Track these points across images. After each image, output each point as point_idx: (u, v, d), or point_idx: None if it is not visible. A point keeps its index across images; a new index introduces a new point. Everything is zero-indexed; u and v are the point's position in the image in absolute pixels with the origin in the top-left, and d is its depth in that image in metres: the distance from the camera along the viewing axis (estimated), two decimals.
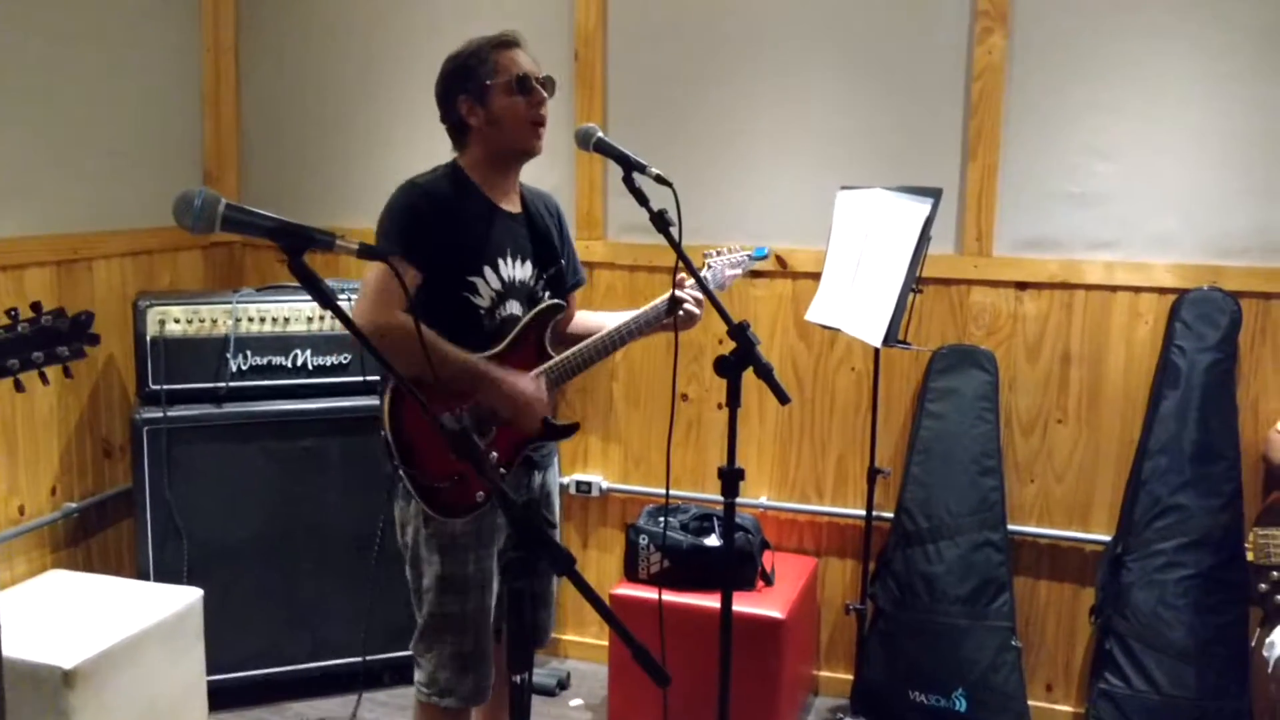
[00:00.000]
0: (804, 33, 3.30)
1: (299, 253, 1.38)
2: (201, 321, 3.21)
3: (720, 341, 3.43)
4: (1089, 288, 3.15)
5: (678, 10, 3.41)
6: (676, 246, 2.06)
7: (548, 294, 2.37)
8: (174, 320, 3.19)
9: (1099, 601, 3.17)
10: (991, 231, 3.19)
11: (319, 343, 3.30)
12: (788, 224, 3.34)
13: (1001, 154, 3.15)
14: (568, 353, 2.30)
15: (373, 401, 3.25)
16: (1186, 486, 3.04)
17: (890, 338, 2.60)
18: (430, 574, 2.26)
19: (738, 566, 3.08)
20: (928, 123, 3.21)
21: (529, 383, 2.24)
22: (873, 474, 2.97)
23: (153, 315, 3.17)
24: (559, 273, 2.40)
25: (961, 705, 3.12)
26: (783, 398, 2.01)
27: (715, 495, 3.39)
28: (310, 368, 3.29)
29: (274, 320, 3.26)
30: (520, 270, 2.31)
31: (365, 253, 1.43)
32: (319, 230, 1.39)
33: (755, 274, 3.38)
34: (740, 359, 2.04)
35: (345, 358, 3.32)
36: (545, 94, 2.26)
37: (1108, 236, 3.12)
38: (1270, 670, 2.59)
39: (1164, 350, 3.09)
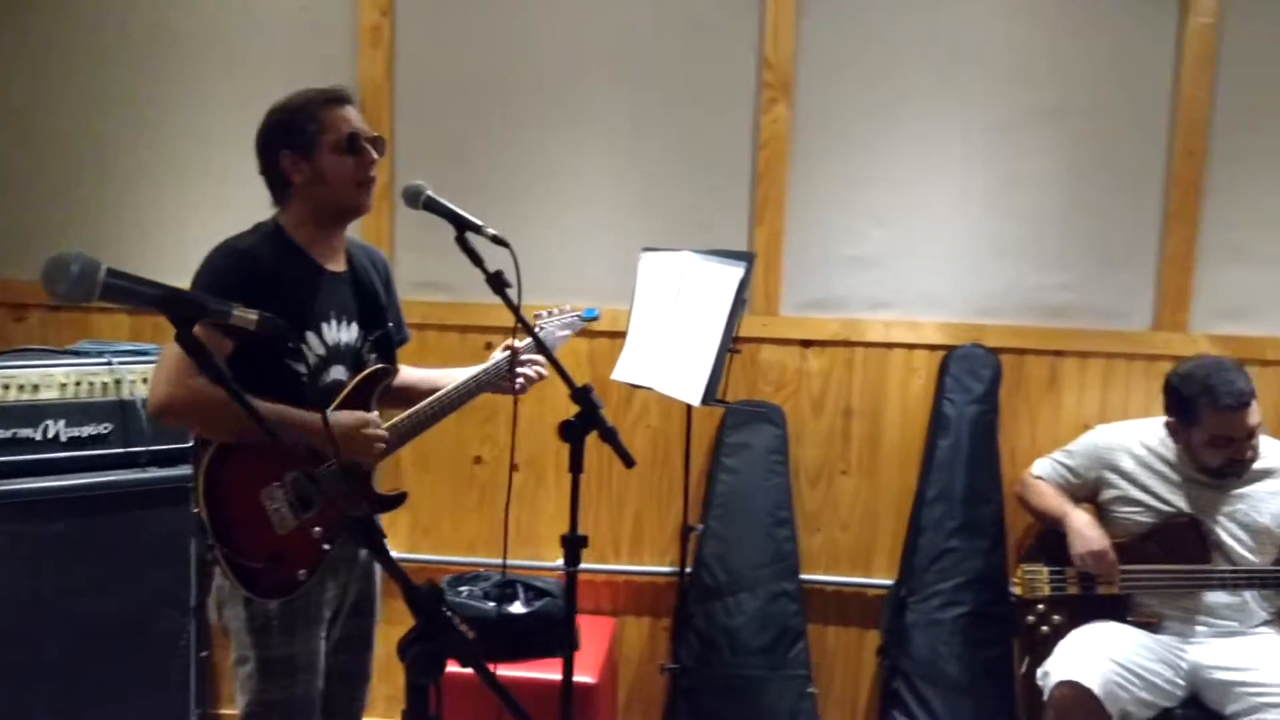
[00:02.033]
0: (599, 97, 3.33)
1: (190, 324, 1.24)
2: None
3: (516, 402, 3.38)
4: (868, 345, 3.34)
5: (468, 67, 3.36)
6: (515, 309, 2.02)
7: (374, 356, 2.25)
8: None
9: (885, 643, 3.33)
10: (778, 292, 3.32)
11: (74, 411, 2.96)
12: (584, 284, 3.33)
13: (786, 219, 3.30)
14: (400, 417, 2.20)
15: (136, 475, 3.00)
16: (959, 530, 3.26)
17: (709, 396, 2.65)
18: (252, 658, 2.08)
19: (549, 632, 3.00)
20: (719, 188, 3.32)
21: (349, 413, 2.12)
22: (685, 531, 3.00)
23: None
24: (386, 334, 2.29)
25: None
26: (628, 460, 2.00)
27: (514, 560, 3.34)
28: (64, 440, 2.95)
29: (20, 388, 2.90)
30: (345, 333, 2.19)
31: (267, 325, 1.30)
32: (214, 299, 1.25)
33: None
34: (585, 423, 2.00)
35: (106, 427, 2.99)
36: (375, 154, 2.16)
37: (884, 297, 3.33)
38: (1045, 697, 2.79)
39: (936, 403, 3.32)
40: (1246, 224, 3.26)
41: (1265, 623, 2.91)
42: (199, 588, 3.10)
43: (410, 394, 2.33)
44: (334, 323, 2.17)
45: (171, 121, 3.42)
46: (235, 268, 2.06)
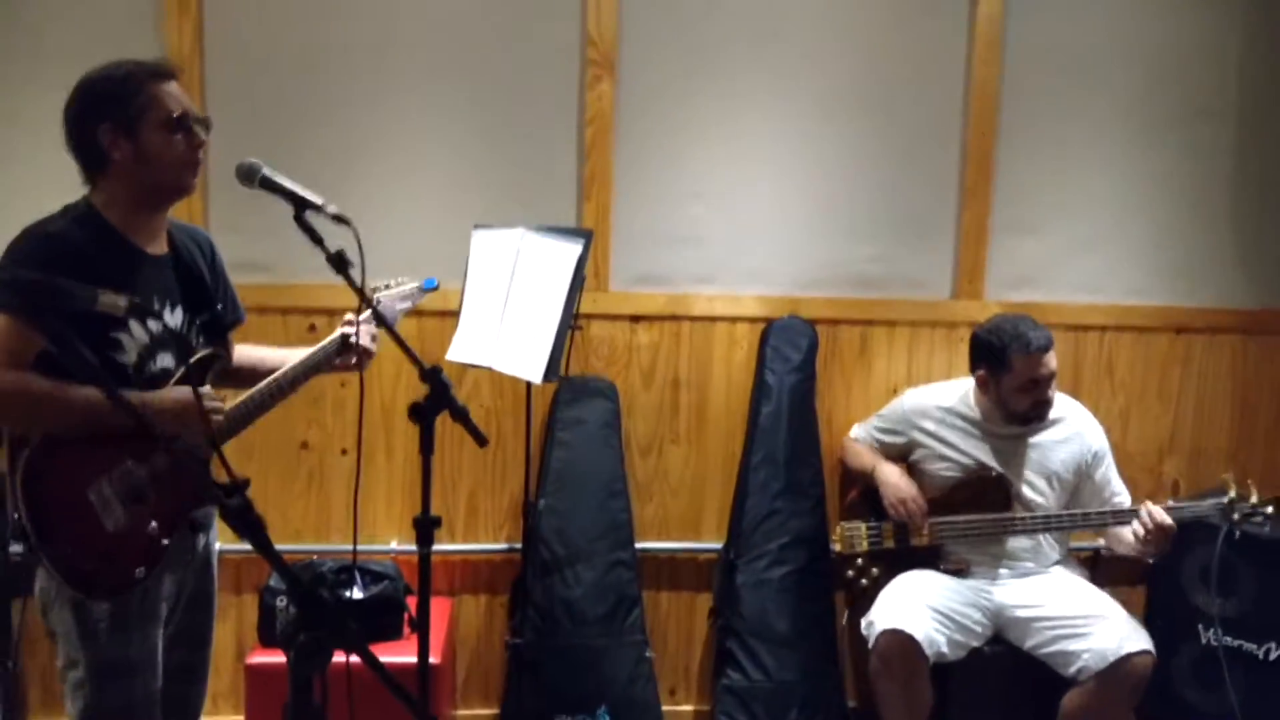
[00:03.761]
0: (421, 73, 3.28)
1: (51, 314, 1.16)
2: None
3: (343, 384, 3.31)
4: (694, 319, 3.44)
5: (282, 38, 3.23)
6: (359, 289, 1.97)
7: (201, 340, 2.15)
8: None
9: (716, 604, 3.46)
10: (608, 268, 3.38)
11: None
12: (411, 263, 3.23)
13: (614, 194, 3.35)
14: (231, 405, 2.11)
15: None
16: (783, 492, 3.41)
17: (551, 374, 2.67)
18: (83, 662, 1.97)
19: (386, 616, 2.97)
20: (547, 164, 3.34)
21: (174, 392, 2.02)
22: (528, 507, 3.02)
23: None
24: (214, 317, 2.19)
25: None
26: (481, 440, 2.00)
27: (344, 545, 3.27)
28: None
29: None
30: (170, 319, 2.08)
31: (137, 309, 1.23)
32: (78, 285, 1.17)
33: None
34: (435, 403, 1.99)
35: None
36: (204, 135, 2.07)
37: (707, 272, 3.43)
38: (870, 645, 2.97)
39: (758, 372, 3.45)
40: (1032, 199, 3.55)
41: (1056, 562, 3.20)
42: None
43: (252, 374, 2.24)
44: (157, 308, 2.06)
45: None
46: (46, 255, 1.91)
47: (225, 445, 1.94)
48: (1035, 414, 3.10)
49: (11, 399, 1.89)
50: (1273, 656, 3.07)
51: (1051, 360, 3.03)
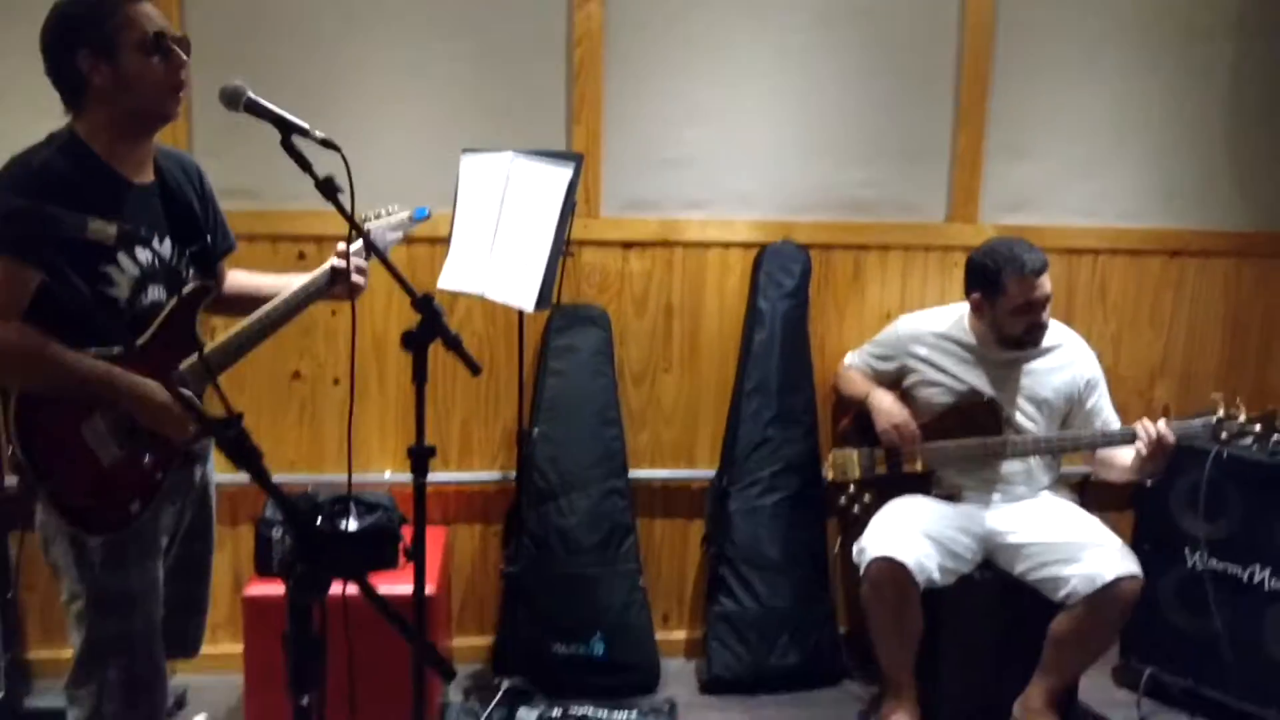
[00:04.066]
0: None
1: (43, 243, 1.12)
2: None
3: (334, 313, 3.27)
4: (686, 245, 3.40)
5: None
6: (348, 216, 1.93)
7: (192, 271, 2.11)
8: None
9: (709, 531, 3.48)
10: (599, 193, 3.32)
11: None
12: (399, 188, 3.14)
13: (604, 118, 3.28)
14: (223, 338, 2.08)
15: None
16: (775, 420, 3.41)
17: (543, 302, 2.63)
18: (84, 595, 1.97)
19: (381, 546, 2.97)
20: (536, 87, 3.27)
21: (158, 389, 1.97)
22: (521, 436, 3.01)
23: None
24: (204, 248, 2.15)
25: (600, 649, 3.27)
26: (474, 368, 1.98)
27: (339, 476, 3.27)
28: None
29: None
30: (160, 250, 2.04)
31: (128, 237, 1.19)
32: (66, 212, 1.13)
33: None
34: (427, 331, 1.96)
35: None
36: (184, 56, 2.00)
37: (700, 197, 3.39)
38: (861, 572, 3.00)
39: (751, 298, 3.43)
40: (1027, 123, 3.50)
41: (1047, 487, 3.22)
42: None
43: (247, 301, 2.22)
44: (146, 239, 2.02)
45: None
46: (31, 186, 1.87)
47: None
48: (1029, 338, 3.08)
49: (10, 357, 1.87)
50: (1257, 579, 3.10)
51: (1046, 283, 3.01)
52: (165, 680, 2.10)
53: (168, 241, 2.07)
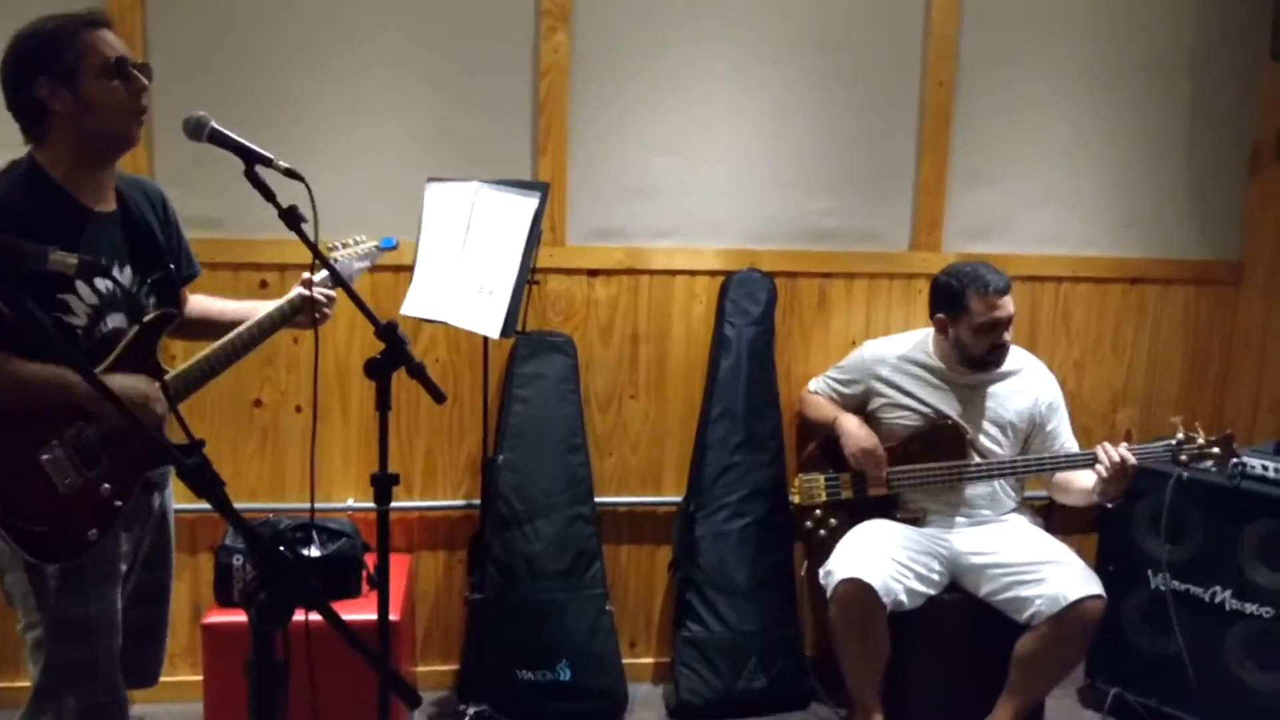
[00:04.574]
0: (374, 23, 3.18)
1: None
2: None
3: (296, 340, 3.26)
4: (652, 273, 3.42)
5: None
6: (312, 245, 1.94)
7: (153, 300, 2.11)
8: None
9: (676, 557, 3.48)
10: (564, 222, 3.34)
11: None
12: (364, 217, 3.17)
13: (570, 148, 3.30)
14: (185, 366, 2.07)
15: None
16: (742, 445, 3.43)
17: (509, 329, 2.64)
18: (42, 623, 1.95)
19: (345, 574, 2.95)
20: (502, 118, 3.28)
21: (137, 379, 1.99)
22: (486, 463, 3.01)
23: None
24: (166, 275, 2.14)
25: (566, 675, 3.26)
26: (438, 396, 1.98)
27: (301, 504, 3.24)
28: None
29: None
30: (120, 278, 2.03)
31: (88, 269, 1.19)
32: (28, 243, 1.13)
33: None
34: (391, 359, 1.96)
35: None
36: (145, 80, 2.01)
37: (667, 225, 3.41)
38: (829, 594, 3.00)
39: (717, 325, 3.45)
40: (989, 151, 3.55)
41: (1012, 510, 3.24)
42: None
43: (209, 326, 2.22)
44: (105, 266, 2.01)
45: None
46: None
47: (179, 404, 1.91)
48: (991, 358, 3.12)
49: None
50: (1219, 599, 3.13)
51: (1009, 303, 3.05)
52: (125, 709, 2.07)
53: (128, 270, 2.07)
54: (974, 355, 3.11)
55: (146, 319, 2.06)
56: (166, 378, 2.04)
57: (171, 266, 2.17)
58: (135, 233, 2.09)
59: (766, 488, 3.44)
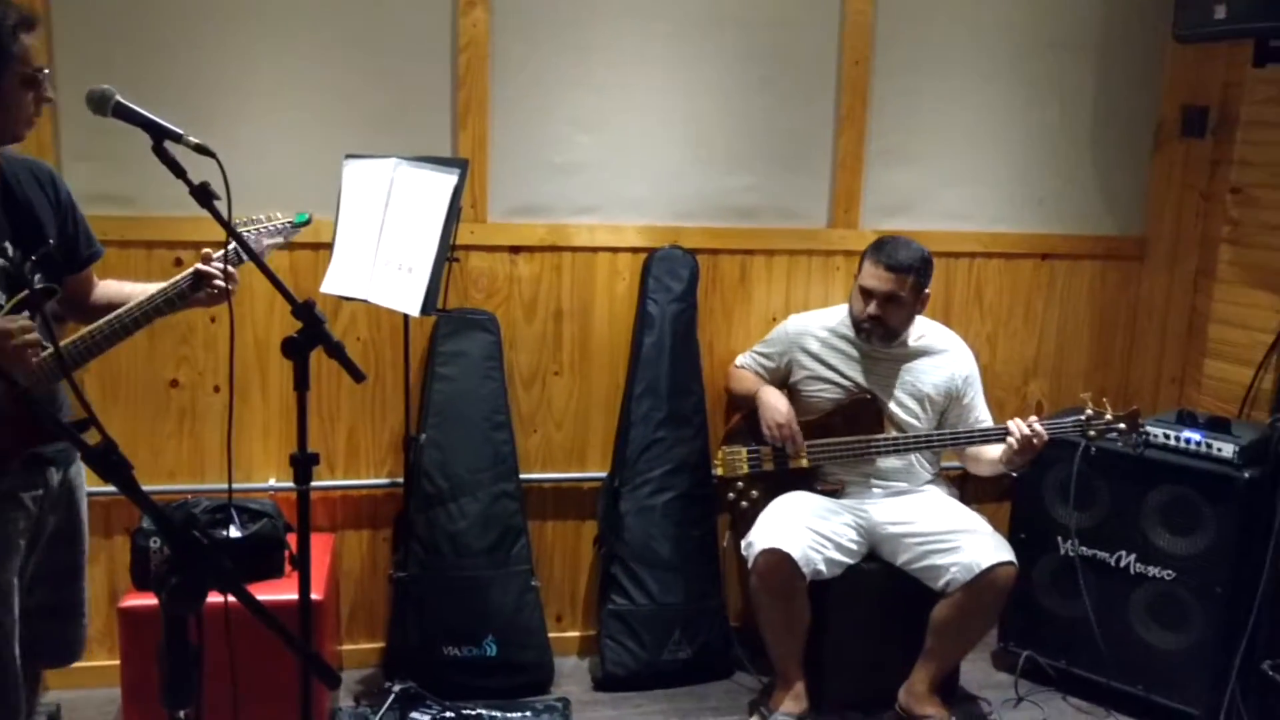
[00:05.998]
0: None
1: None
2: None
3: (213, 319, 3.21)
4: (575, 249, 3.42)
5: None
6: (224, 221, 1.92)
7: (38, 277, 2.06)
8: None
9: (601, 532, 3.51)
10: (485, 198, 3.32)
11: None
12: (280, 195, 3.12)
13: (490, 124, 3.28)
14: (73, 337, 2.04)
15: None
16: (665, 421, 3.46)
17: (429, 307, 2.63)
18: None
19: (267, 554, 2.93)
20: (421, 93, 3.24)
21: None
22: (409, 441, 2.99)
23: None
24: (49, 253, 2.09)
25: (492, 650, 3.27)
26: (357, 375, 1.97)
27: (221, 485, 3.20)
28: None
29: None
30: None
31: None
32: None
33: None
34: (309, 338, 1.95)
35: None
36: (50, 92, 2.02)
37: (589, 202, 3.41)
38: (749, 565, 3.06)
39: (640, 302, 3.47)
40: (905, 130, 3.61)
41: (929, 481, 3.33)
42: None
43: (100, 307, 2.18)
44: None
45: None
46: None
47: (84, 382, 1.87)
48: (864, 326, 3.20)
49: None
50: (1124, 563, 3.26)
51: (888, 279, 3.11)
52: (21, 689, 2.04)
53: (8, 245, 2.03)
54: (856, 318, 3.20)
55: (20, 295, 2.01)
56: (46, 352, 2.00)
57: (54, 244, 2.11)
58: (16, 209, 2.05)
59: (690, 462, 3.48)
